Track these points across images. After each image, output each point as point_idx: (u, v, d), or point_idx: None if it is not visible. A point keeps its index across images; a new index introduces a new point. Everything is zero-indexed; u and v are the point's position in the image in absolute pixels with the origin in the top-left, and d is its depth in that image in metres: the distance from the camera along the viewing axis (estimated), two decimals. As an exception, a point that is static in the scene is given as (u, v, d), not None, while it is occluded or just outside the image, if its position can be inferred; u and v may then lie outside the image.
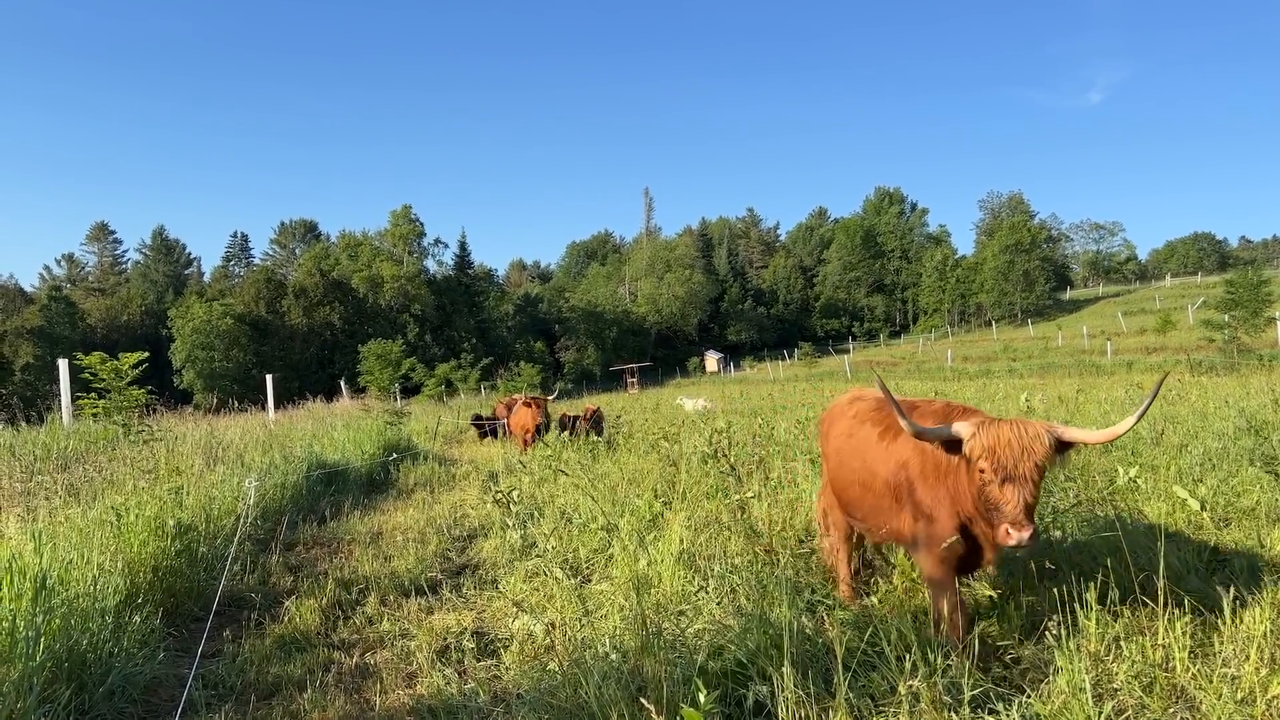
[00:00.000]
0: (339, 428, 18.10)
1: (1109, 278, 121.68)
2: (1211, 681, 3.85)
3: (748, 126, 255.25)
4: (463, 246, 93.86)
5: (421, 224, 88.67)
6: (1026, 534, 3.80)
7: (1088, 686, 3.60)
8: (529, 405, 16.94)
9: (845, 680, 3.37)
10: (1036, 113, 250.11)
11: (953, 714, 3.53)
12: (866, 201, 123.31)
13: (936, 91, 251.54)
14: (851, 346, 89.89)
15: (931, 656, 3.89)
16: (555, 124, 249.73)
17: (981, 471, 3.98)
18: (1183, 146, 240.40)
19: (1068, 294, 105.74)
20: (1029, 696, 3.89)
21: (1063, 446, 4.07)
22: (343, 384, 36.20)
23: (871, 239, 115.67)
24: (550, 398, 18.09)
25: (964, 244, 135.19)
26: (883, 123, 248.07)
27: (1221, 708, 3.59)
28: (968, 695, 3.49)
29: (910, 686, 3.57)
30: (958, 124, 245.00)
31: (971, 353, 60.86)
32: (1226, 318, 36.34)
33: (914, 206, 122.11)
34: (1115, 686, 4.04)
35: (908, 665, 3.67)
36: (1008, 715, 3.41)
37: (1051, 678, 4.05)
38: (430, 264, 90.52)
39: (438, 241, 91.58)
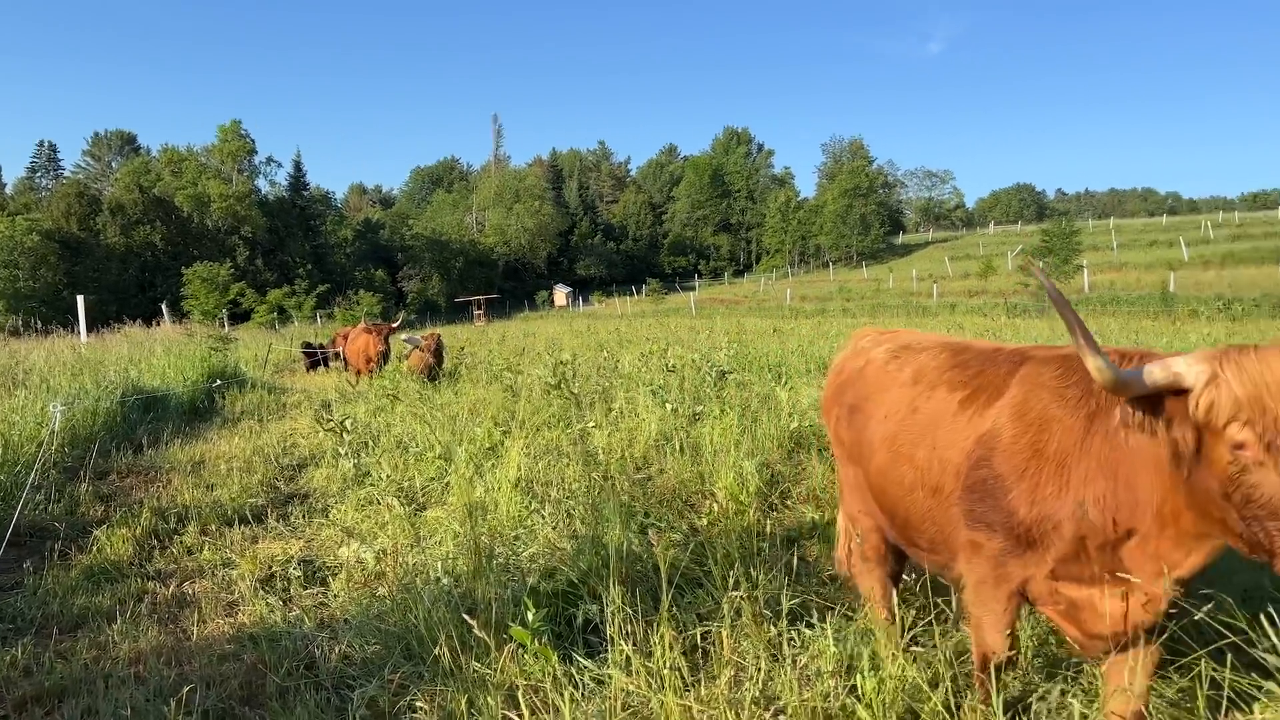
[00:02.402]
0: (159, 353, 17.05)
1: (939, 224, 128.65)
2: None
3: (599, 61, 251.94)
4: (298, 167, 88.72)
5: (253, 141, 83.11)
6: None
7: (892, 594, 3.85)
8: (369, 332, 16.41)
9: (668, 596, 3.48)
10: (879, 60, 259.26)
11: (771, 626, 3.72)
12: (715, 141, 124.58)
13: (784, 33, 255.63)
14: (697, 284, 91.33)
15: (754, 573, 4.07)
16: (399, 45, 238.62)
17: (1238, 448, 2.24)
18: (1010, 101, 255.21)
19: (900, 238, 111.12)
20: (840, 607, 4.15)
21: None
22: (164, 308, 33.94)
23: (719, 178, 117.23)
24: (393, 325, 17.54)
25: (806, 186, 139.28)
26: (732, 63, 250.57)
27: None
28: (785, 607, 3.68)
29: (733, 601, 3.73)
30: (804, 67, 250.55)
31: (810, 293, 63.13)
32: (1041, 264, 39.20)
33: (761, 148, 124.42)
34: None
35: (730, 582, 3.82)
36: (822, 627, 3.61)
37: (864, 597, 4.32)
38: (262, 184, 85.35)
39: (270, 160, 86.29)
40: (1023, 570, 2.88)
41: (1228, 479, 2.27)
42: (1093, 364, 2.40)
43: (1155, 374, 2.36)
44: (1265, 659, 2.59)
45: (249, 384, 15.12)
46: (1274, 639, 2.49)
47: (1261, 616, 2.71)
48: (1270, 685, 2.61)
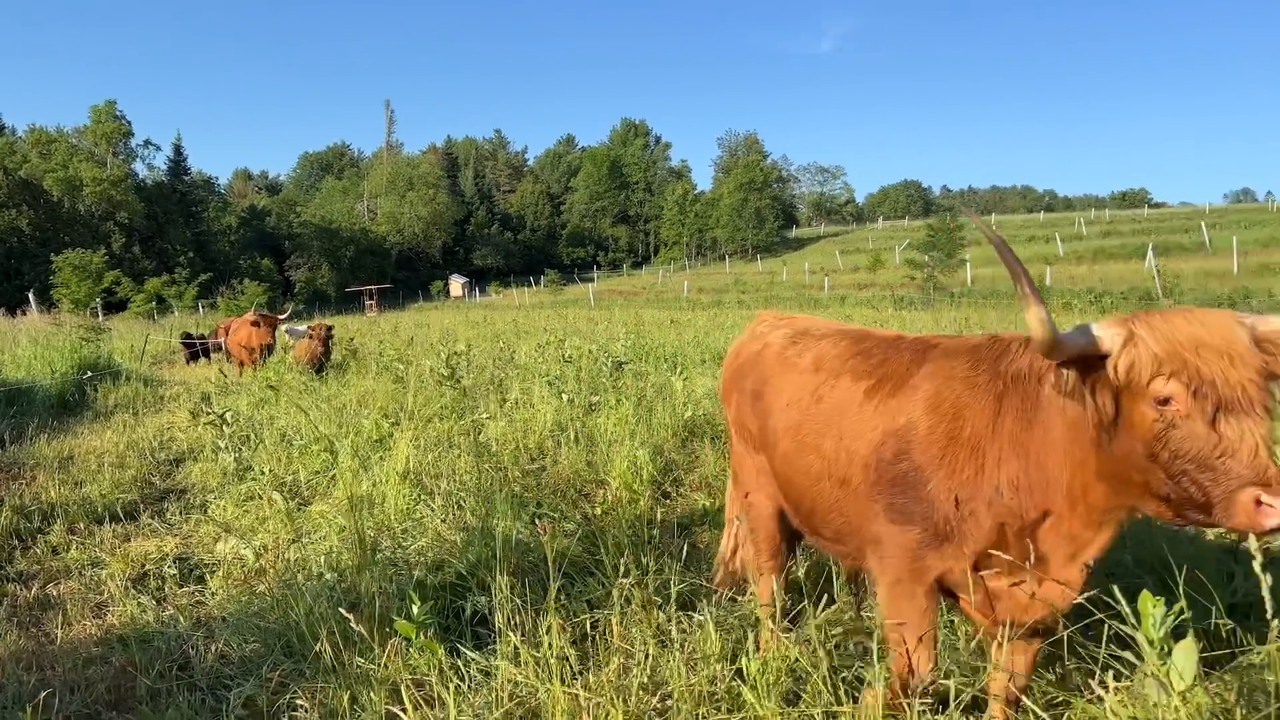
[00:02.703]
0: (24, 344, 16.05)
1: (830, 218, 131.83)
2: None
3: (496, 48, 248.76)
4: (178, 150, 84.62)
5: (129, 123, 78.87)
6: None
7: (777, 585, 3.91)
8: (256, 324, 15.82)
9: (555, 585, 3.45)
10: (774, 57, 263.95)
11: (661, 612, 3.74)
12: (613, 132, 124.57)
13: (680, 27, 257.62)
14: (596, 275, 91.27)
15: (645, 561, 4.08)
16: (285, 26, 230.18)
17: (1164, 404, 2.28)
18: (899, 99, 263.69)
19: (794, 232, 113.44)
20: (729, 591, 4.21)
21: (1264, 349, 2.29)
22: (31, 297, 31.98)
23: (618, 170, 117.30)
24: (282, 317, 16.94)
25: (704, 180, 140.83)
26: (629, 54, 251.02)
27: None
28: (675, 593, 3.70)
29: (623, 589, 3.73)
30: (700, 62, 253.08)
31: (707, 284, 63.88)
32: (926, 258, 40.62)
33: (659, 140, 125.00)
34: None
35: (621, 570, 3.82)
36: (708, 611, 3.65)
37: (754, 580, 4.38)
38: (140, 168, 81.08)
39: (148, 143, 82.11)
40: (941, 563, 2.89)
41: (1154, 438, 2.30)
42: (1035, 315, 2.35)
43: (1078, 337, 2.38)
44: (1121, 629, 2.72)
45: (124, 376, 14.35)
46: (1126, 610, 2.62)
47: (1116, 589, 2.85)
48: (1128, 655, 2.76)
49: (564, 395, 9.17)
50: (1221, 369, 2.20)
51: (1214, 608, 3.55)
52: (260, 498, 6.49)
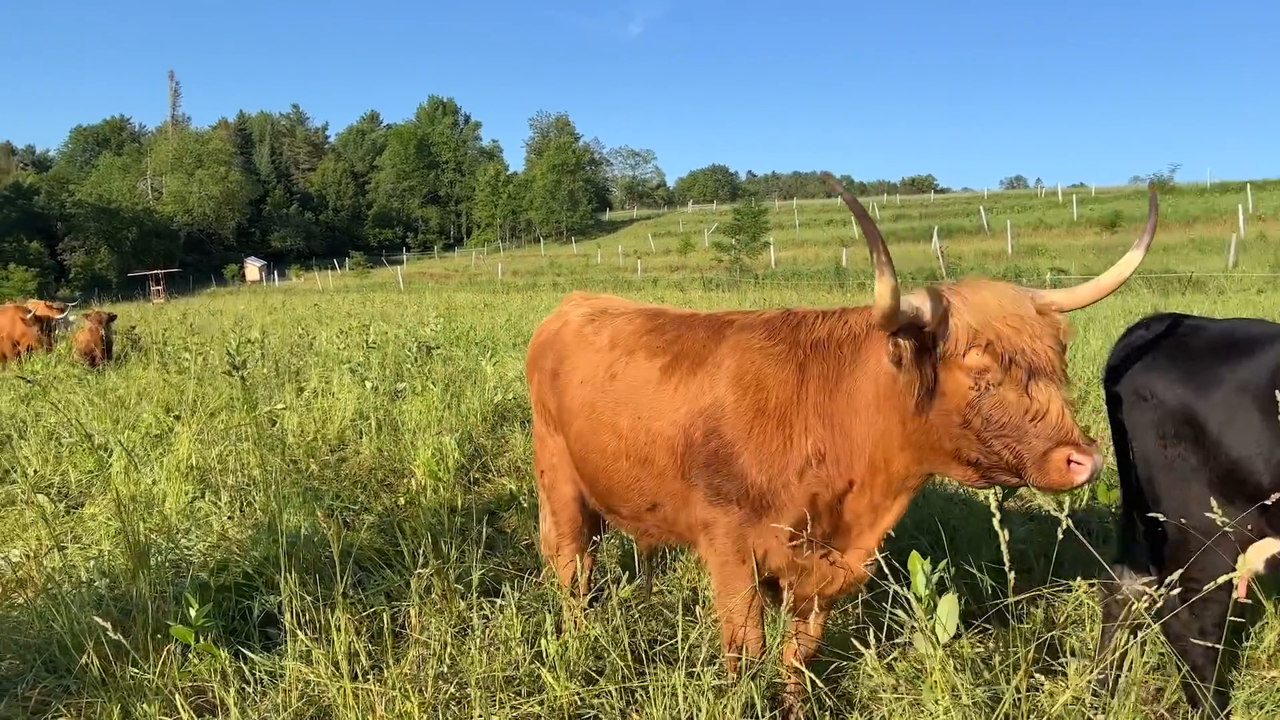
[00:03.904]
0: None
1: (642, 202, 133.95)
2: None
3: (291, 17, 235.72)
4: (-79, 119, 75.07)
5: None
6: (1099, 455, 2.34)
7: (579, 565, 3.94)
8: (25, 320, 14.32)
9: (344, 579, 3.34)
10: (583, 38, 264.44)
11: (462, 600, 3.68)
12: (420, 110, 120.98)
13: (486, 3, 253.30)
14: (406, 257, 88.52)
15: (445, 549, 4.01)
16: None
17: (981, 374, 2.40)
18: (705, 84, 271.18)
19: (608, 215, 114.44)
20: (531, 575, 4.21)
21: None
22: None
23: (426, 149, 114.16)
24: (68, 306, 15.47)
25: (516, 161, 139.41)
26: (434, 29, 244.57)
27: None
28: (475, 579, 3.66)
29: (422, 579, 3.64)
30: (508, 40, 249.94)
31: (521, 267, 63.38)
32: (733, 241, 42.00)
33: (468, 119, 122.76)
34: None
35: (420, 559, 3.73)
36: (510, 594, 3.62)
37: (556, 559, 4.39)
38: None
39: (-118, 110, 72.34)
40: (762, 541, 2.92)
41: (967, 405, 2.41)
42: (887, 285, 2.35)
43: (907, 310, 2.42)
44: (899, 592, 2.93)
45: None
46: (889, 573, 2.83)
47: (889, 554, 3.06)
48: (899, 613, 2.97)
49: (367, 382, 8.87)
50: (1029, 337, 2.34)
51: (976, 565, 3.90)
52: (21, 502, 5.90)
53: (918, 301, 2.43)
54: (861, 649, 2.88)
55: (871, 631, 3.01)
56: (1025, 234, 45.51)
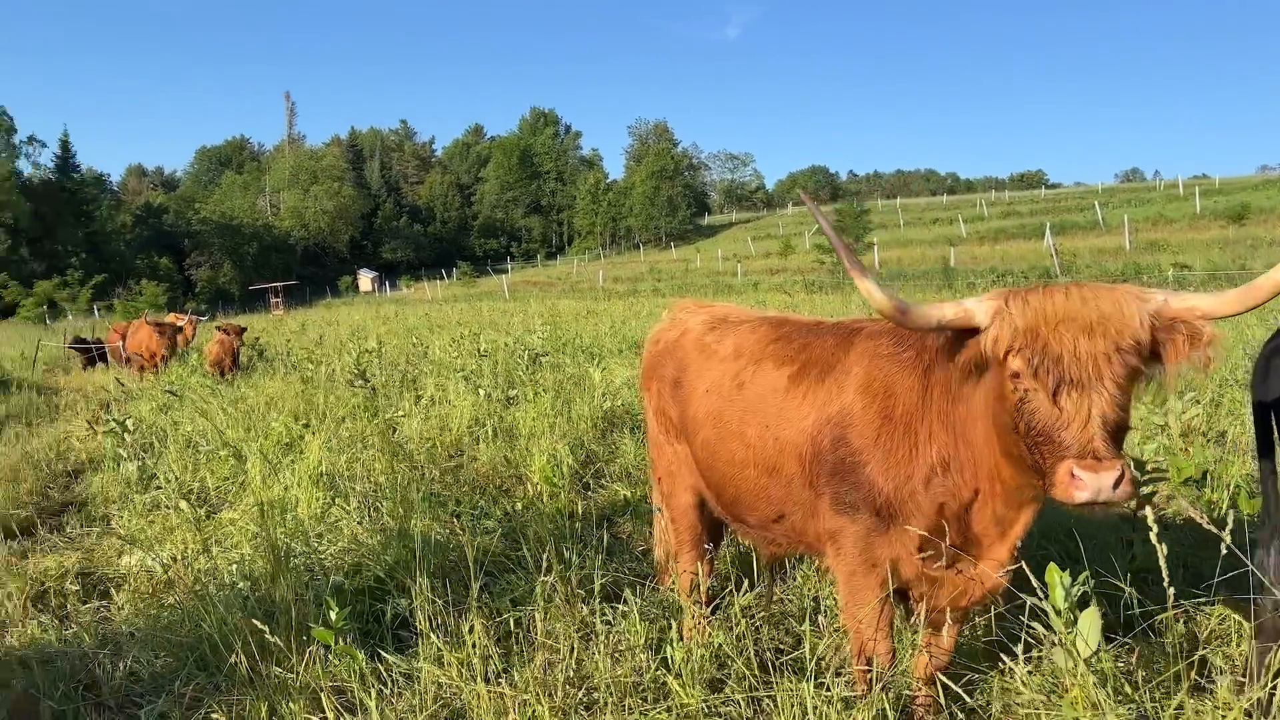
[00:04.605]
0: (-102, 356, 15.09)
1: (741, 205, 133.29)
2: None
3: (399, 37, 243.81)
4: (65, 147, 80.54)
5: (10, 118, 75.09)
6: (1108, 474, 2.14)
7: (701, 572, 3.96)
8: (159, 332, 15.23)
9: (477, 584, 3.43)
10: (681, 44, 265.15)
11: (584, 605, 3.74)
12: (522, 121, 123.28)
13: (586, 14, 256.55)
14: (510, 267, 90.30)
15: (567, 555, 4.07)
16: (175, 12, 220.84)
17: (1015, 377, 2.33)
18: (804, 85, 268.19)
19: (706, 219, 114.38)
20: (650, 582, 4.24)
21: (1165, 329, 2.29)
22: (-95, 304, 30.05)
23: (528, 159, 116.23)
24: (200, 319, 16.39)
25: (615, 168, 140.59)
26: (536, 42, 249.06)
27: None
28: (598, 586, 3.71)
29: (545, 585, 3.71)
30: (608, 50, 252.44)
31: (622, 274, 63.86)
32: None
33: (569, 129, 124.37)
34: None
35: (544, 565, 3.80)
36: (633, 600, 3.66)
37: (675, 565, 4.42)
38: (24, 166, 77.17)
39: (32, 140, 78.16)
40: (890, 550, 2.88)
41: (1015, 410, 2.34)
42: (863, 287, 2.44)
43: (946, 311, 2.41)
44: (1032, 601, 2.83)
45: (14, 385, 13.67)
46: (1034, 582, 2.73)
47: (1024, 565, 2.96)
48: (1036, 626, 2.87)
49: (480, 390, 9.08)
50: (1071, 344, 2.20)
51: (1110, 575, 3.73)
52: (165, 507, 6.26)
53: (967, 304, 2.42)
54: (995, 663, 2.80)
55: (1019, 644, 2.92)
56: (1144, 229, 43.36)
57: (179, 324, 16.06)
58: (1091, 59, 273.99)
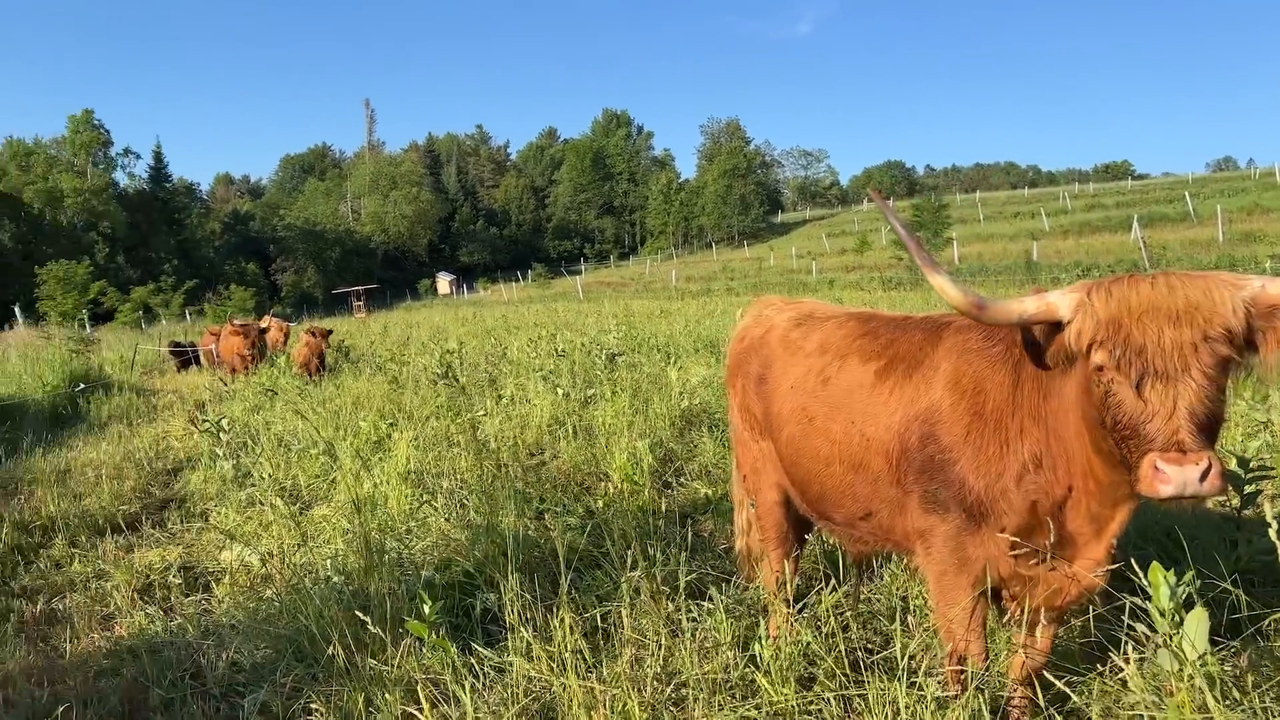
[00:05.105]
0: (14, 359, 16.02)
1: (815, 202, 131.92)
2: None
3: (473, 43, 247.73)
4: (158, 158, 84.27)
5: (107, 131, 78.51)
6: (1194, 467, 2.06)
7: (787, 570, 3.94)
8: (239, 334, 15.79)
9: (566, 579, 3.47)
10: (752, 41, 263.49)
11: (669, 602, 3.75)
12: (595, 123, 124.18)
13: (657, 14, 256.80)
14: (584, 268, 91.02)
15: (651, 552, 4.09)
16: (259, 29, 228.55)
17: (1099, 371, 2.26)
18: (878, 79, 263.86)
19: (779, 217, 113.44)
20: (734, 579, 4.23)
21: (1263, 315, 2.19)
22: (17, 311, 31.77)
23: (601, 161, 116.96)
24: (288, 324, 17.00)
25: (687, 168, 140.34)
26: (608, 45, 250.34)
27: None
28: (683, 583, 3.72)
29: (631, 581, 3.74)
30: (679, 49, 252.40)
31: (694, 273, 63.82)
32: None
33: (640, 129, 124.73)
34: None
35: (629, 561, 3.83)
36: (718, 597, 3.66)
37: (760, 563, 4.40)
38: (120, 177, 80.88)
39: (128, 152, 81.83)
40: (982, 550, 2.82)
41: (1101, 404, 2.28)
42: (936, 282, 2.42)
43: (1028, 305, 2.37)
44: (1133, 602, 2.74)
45: (115, 387, 14.30)
46: (1140, 580, 2.64)
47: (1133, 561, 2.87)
48: (1140, 626, 2.78)
49: (559, 389, 9.18)
50: (1156, 334, 2.13)
51: (1215, 575, 3.59)
52: (261, 503, 6.49)
53: (1049, 297, 2.35)
54: (1094, 665, 2.72)
55: (1120, 646, 2.83)
56: (1238, 220, 41.41)
57: (262, 326, 16.63)
58: (1179, 44, 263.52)
